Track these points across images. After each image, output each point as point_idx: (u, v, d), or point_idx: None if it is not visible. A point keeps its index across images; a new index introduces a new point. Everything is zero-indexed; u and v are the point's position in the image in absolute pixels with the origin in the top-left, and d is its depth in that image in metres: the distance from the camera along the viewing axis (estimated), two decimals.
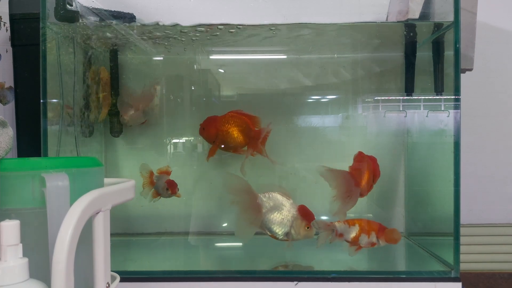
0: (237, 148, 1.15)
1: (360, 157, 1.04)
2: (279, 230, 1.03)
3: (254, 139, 1.13)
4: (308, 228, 1.02)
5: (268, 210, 1.04)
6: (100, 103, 1.21)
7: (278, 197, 1.05)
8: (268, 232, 1.04)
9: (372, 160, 1.05)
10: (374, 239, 1.01)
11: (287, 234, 1.03)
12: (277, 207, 1.04)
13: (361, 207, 1.28)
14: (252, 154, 1.14)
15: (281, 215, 1.03)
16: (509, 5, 1.38)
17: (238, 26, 1.06)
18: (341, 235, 1.01)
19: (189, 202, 1.30)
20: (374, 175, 1.05)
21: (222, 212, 1.30)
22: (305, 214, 1.03)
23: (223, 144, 1.14)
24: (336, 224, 1.02)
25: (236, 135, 1.13)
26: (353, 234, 1.01)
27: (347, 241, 1.02)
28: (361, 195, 1.03)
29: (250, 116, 1.13)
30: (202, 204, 1.29)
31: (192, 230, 1.29)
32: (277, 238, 1.04)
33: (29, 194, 0.54)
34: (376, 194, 1.30)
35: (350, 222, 1.02)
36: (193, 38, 1.14)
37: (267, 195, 1.05)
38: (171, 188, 1.16)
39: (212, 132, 1.13)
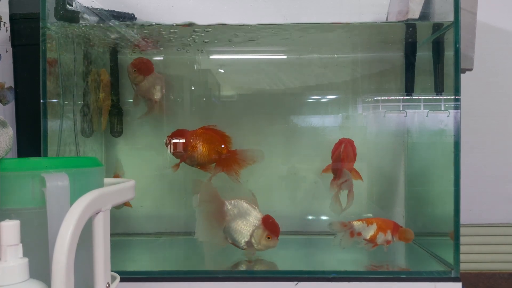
0: (205, 165, 1.13)
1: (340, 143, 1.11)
2: (240, 239, 1.02)
3: (225, 159, 1.11)
4: (269, 238, 1.01)
5: (232, 218, 1.03)
6: (100, 107, 1.21)
7: (244, 205, 1.03)
8: (230, 240, 1.03)
9: (350, 142, 1.10)
10: (389, 237, 1.05)
11: (247, 243, 1.02)
12: (241, 215, 1.03)
13: (361, 207, 1.28)
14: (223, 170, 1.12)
15: (243, 224, 1.02)
16: (509, 5, 1.38)
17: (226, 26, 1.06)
18: (359, 233, 1.05)
19: (190, 202, 1.30)
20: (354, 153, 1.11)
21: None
22: (268, 224, 1.02)
23: (190, 160, 1.12)
24: (354, 223, 1.05)
25: (206, 153, 1.10)
26: (371, 233, 1.05)
27: (365, 240, 1.05)
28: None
29: (222, 134, 1.12)
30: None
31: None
32: (238, 247, 1.03)
33: (29, 194, 0.54)
34: (376, 194, 1.30)
35: (368, 221, 1.06)
36: (193, 37, 1.14)
37: (233, 202, 1.04)
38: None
39: (180, 146, 1.11)
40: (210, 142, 1.11)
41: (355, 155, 1.11)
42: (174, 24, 1.04)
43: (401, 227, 1.07)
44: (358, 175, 1.12)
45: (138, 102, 1.23)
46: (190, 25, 1.05)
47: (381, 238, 1.04)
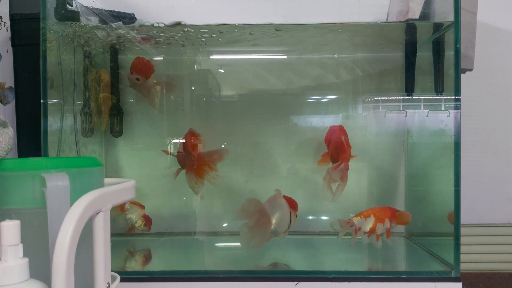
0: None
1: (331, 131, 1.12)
2: (283, 228, 1.06)
3: (196, 163, 1.14)
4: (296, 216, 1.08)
5: (275, 218, 1.06)
6: (100, 107, 1.21)
7: (279, 201, 1.07)
8: (273, 234, 1.05)
9: (340, 128, 1.11)
10: (388, 225, 1.05)
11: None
12: (278, 211, 1.06)
13: (362, 207, 1.27)
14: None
15: (283, 216, 1.06)
16: (509, 5, 1.37)
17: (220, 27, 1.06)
18: (359, 228, 1.05)
19: (190, 202, 1.30)
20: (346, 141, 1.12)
21: (227, 212, 1.30)
22: (291, 203, 1.08)
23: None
24: (354, 220, 1.05)
25: (182, 154, 1.14)
26: (370, 225, 1.05)
27: (365, 233, 1.05)
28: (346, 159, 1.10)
29: (190, 140, 1.15)
30: (207, 203, 1.29)
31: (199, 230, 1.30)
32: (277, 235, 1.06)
33: (29, 194, 0.54)
34: (376, 194, 1.30)
35: (365, 214, 1.06)
36: (193, 37, 1.14)
37: (272, 202, 1.06)
38: (148, 224, 1.19)
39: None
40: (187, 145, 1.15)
41: (347, 140, 1.11)
42: (181, 23, 1.04)
43: (398, 211, 1.08)
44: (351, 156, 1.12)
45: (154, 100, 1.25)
46: (191, 25, 1.05)
47: (380, 228, 1.05)
